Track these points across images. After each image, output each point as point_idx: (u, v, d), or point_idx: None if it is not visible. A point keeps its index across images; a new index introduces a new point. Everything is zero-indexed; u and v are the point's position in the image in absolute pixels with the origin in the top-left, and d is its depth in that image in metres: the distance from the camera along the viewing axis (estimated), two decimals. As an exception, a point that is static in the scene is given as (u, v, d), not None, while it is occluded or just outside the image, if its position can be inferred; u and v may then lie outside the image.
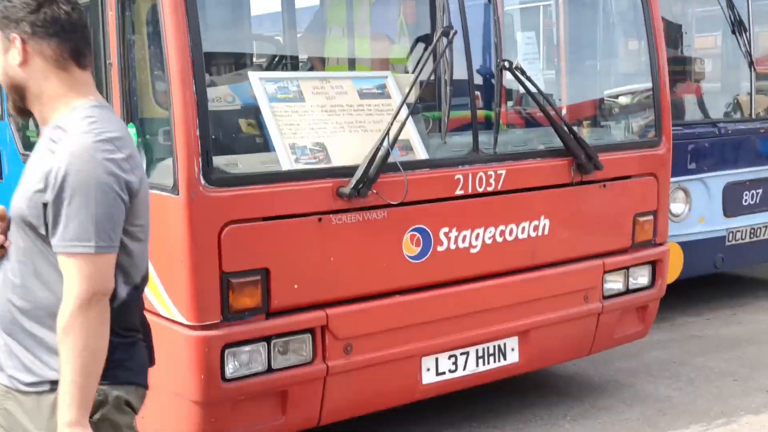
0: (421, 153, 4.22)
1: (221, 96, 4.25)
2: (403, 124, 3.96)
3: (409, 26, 5.30)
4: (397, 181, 4.00)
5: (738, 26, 7.16)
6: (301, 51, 6.16)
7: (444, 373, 4.37)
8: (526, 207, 4.53)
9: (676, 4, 7.55)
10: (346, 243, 3.94)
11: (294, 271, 3.81)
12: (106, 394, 2.31)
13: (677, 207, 6.66)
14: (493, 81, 4.72)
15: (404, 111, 4.02)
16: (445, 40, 4.15)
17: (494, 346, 4.53)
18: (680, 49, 7.37)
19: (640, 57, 5.73)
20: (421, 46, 4.97)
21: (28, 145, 4.96)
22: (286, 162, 3.83)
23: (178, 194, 3.58)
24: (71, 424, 2.20)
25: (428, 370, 4.32)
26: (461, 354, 4.41)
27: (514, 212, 4.48)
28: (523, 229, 4.51)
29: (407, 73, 4.84)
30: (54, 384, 2.27)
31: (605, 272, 4.88)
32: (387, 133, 3.90)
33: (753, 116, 7.27)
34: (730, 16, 7.14)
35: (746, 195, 7.07)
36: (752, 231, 7.13)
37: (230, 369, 3.71)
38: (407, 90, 4.07)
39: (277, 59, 5.82)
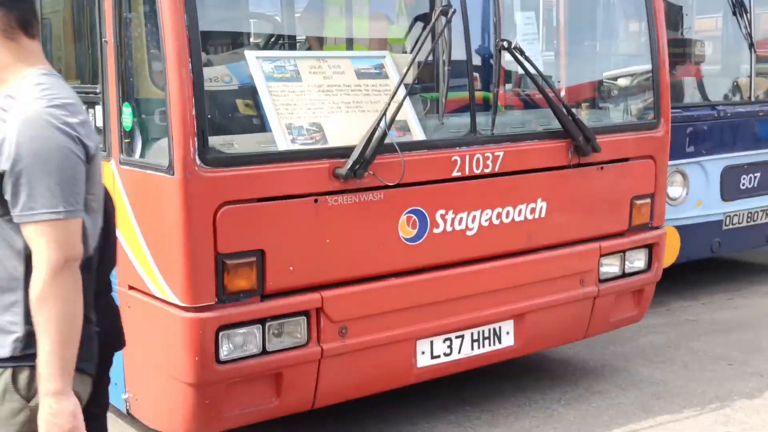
0: (418, 134, 4.19)
1: (219, 75, 4.20)
2: (401, 105, 3.93)
3: (407, 6, 5.26)
4: (394, 163, 3.97)
5: (738, 8, 7.13)
6: (299, 30, 6.10)
7: (439, 356, 4.37)
8: (523, 189, 4.51)
9: (676, -15, 7.49)
10: (342, 225, 3.91)
11: (289, 252, 3.79)
12: None
13: (675, 190, 6.64)
14: (491, 61, 4.69)
15: (402, 91, 3.99)
16: (443, 20, 4.11)
17: (489, 330, 4.52)
18: (680, 31, 7.33)
19: (640, 39, 5.69)
20: (419, 25, 4.93)
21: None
22: (283, 142, 3.80)
23: (173, 174, 3.55)
24: (56, 394, 2.18)
25: (423, 353, 4.31)
26: (456, 337, 4.41)
27: (511, 194, 4.45)
28: (520, 211, 4.49)
29: (405, 53, 4.80)
30: (2, 361, 2.24)
31: (601, 256, 4.87)
32: (384, 114, 3.87)
33: (752, 99, 7.24)
34: (730, -1, 7.11)
35: (744, 179, 7.06)
36: (749, 215, 7.12)
37: (225, 351, 3.69)
38: (405, 70, 4.03)
39: (274, 39, 5.77)
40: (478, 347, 4.49)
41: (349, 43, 5.22)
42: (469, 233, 4.32)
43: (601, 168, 4.79)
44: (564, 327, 4.89)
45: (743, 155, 7.02)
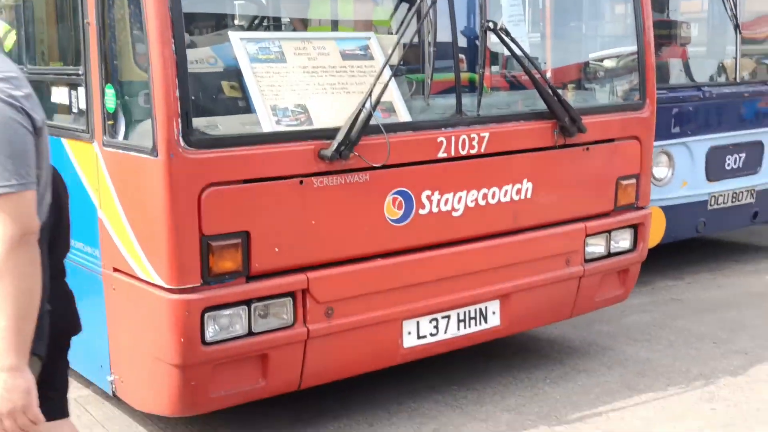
0: (404, 115, 4.18)
1: (204, 57, 4.19)
2: (386, 86, 3.93)
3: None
4: (380, 144, 3.96)
5: (724, -10, 7.13)
6: (284, 11, 6.07)
7: (425, 336, 4.38)
8: (509, 170, 4.51)
9: (662, -33, 7.48)
10: (328, 206, 3.91)
11: (275, 234, 3.79)
12: None
13: (660, 171, 6.67)
14: (477, 43, 4.68)
15: (387, 72, 3.98)
16: (429, 1, 4.10)
17: (475, 310, 4.54)
18: (666, 13, 7.33)
19: (626, 20, 5.69)
20: (404, 6, 4.91)
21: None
22: (268, 124, 3.79)
23: (157, 156, 3.54)
24: (10, 370, 2.15)
25: (409, 333, 4.32)
26: (442, 317, 4.42)
27: (496, 175, 4.46)
28: (506, 192, 4.50)
29: (391, 34, 4.79)
30: None
31: (587, 236, 4.89)
32: (369, 95, 3.86)
33: (738, 80, 7.26)
34: (716, -20, 7.11)
35: (729, 159, 7.09)
36: (734, 195, 7.16)
37: (210, 333, 3.69)
38: (390, 51, 4.02)
39: (259, 20, 5.73)
40: (465, 327, 4.51)
41: (335, 25, 5.20)
42: (455, 214, 4.32)
43: (587, 149, 4.80)
44: (550, 307, 4.92)
45: (728, 136, 7.05)
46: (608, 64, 5.85)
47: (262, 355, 3.88)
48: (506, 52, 4.68)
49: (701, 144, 6.88)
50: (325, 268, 3.96)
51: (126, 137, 3.83)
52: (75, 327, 2.65)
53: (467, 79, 4.84)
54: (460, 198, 4.33)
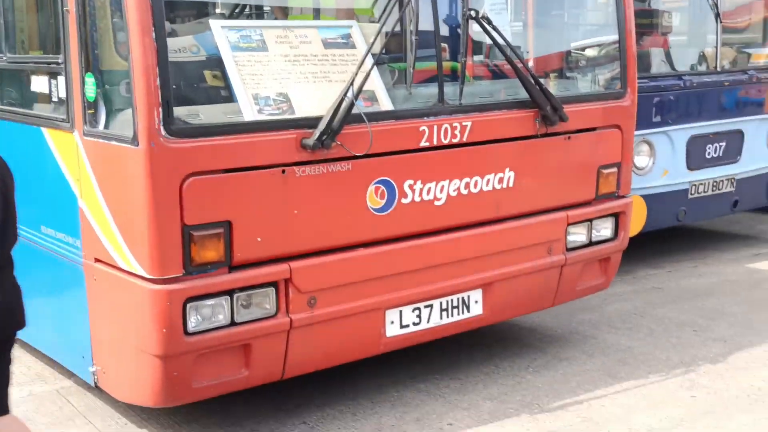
0: (386, 104, 4.18)
1: (186, 46, 4.15)
2: (368, 75, 3.92)
3: (374, -25, 5.21)
4: (362, 133, 3.96)
5: (705, -21, 7.16)
6: (265, 0, 6.03)
7: (408, 325, 4.39)
8: (491, 159, 4.52)
9: (643, -45, 7.50)
10: (310, 195, 3.90)
11: (257, 223, 3.78)
12: None
13: (641, 160, 6.70)
14: (459, 31, 4.67)
15: (369, 61, 3.97)
16: (411, -11, 4.08)
17: (458, 299, 4.55)
18: (647, 2, 7.35)
19: (608, 9, 5.69)
20: (386, -6, 4.88)
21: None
22: (249, 113, 3.78)
23: (138, 145, 3.52)
24: None
25: (392, 322, 4.33)
26: (425, 307, 4.43)
27: (479, 164, 4.46)
28: (488, 181, 4.51)
29: (373, 22, 4.77)
30: None
31: (569, 224, 4.91)
32: (351, 84, 3.85)
33: (718, 69, 7.30)
34: (697, -31, 7.14)
35: (709, 148, 7.13)
36: (715, 184, 7.20)
37: (192, 323, 3.68)
38: (372, 40, 4.01)
39: (240, 8, 5.70)
40: (447, 316, 4.52)
41: (316, 13, 5.18)
42: (437, 203, 4.33)
43: (569, 137, 4.81)
44: (532, 295, 4.93)
45: (709, 125, 7.10)
46: (590, 53, 5.86)
47: (245, 345, 3.87)
48: (488, 41, 4.67)
49: (682, 133, 6.91)
50: (307, 257, 3.96)
51: (106, 126, 3.80)
52: (19, 322, 2.57)
53: (449, 68, 4.83)
54: (443, 187, 4.33)
